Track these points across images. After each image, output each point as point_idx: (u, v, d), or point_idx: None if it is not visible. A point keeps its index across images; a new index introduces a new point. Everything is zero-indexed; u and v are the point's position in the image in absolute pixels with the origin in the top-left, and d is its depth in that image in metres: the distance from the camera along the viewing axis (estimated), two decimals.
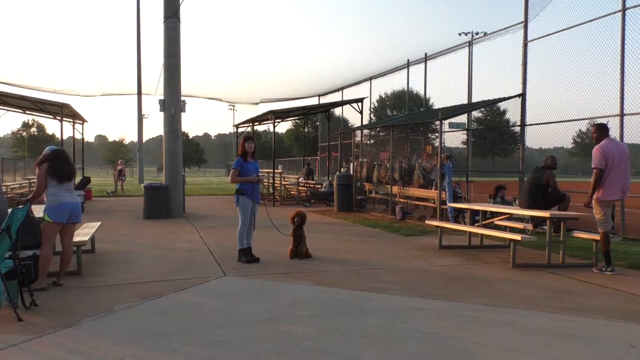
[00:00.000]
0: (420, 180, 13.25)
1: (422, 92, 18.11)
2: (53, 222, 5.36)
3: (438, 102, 22.18)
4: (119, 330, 4.01)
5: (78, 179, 13.99)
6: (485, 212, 9.29)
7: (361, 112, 19.10)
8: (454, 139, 18.56)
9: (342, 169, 16.89)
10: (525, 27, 11.80)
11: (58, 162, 5.48)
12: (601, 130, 6.50)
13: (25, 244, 5.32)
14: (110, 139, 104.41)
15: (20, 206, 4.94)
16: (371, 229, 10.80)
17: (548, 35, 11.25)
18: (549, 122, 11.08)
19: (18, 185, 19.24)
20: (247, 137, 7.19)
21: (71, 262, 5.79)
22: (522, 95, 11.70)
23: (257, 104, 30.59)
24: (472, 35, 17.72)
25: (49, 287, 5.34)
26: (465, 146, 15.61)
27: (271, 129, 19.23)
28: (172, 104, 13.06)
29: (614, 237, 7.77)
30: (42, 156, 5.54)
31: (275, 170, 18.25)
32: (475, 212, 9.06)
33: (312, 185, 18.83)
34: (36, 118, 47.80)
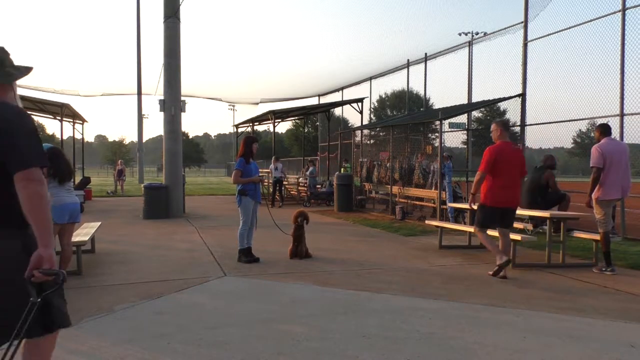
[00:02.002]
0: (421, 180, 13.24)
1: (422, 92, 18.11)
2: (54, 222, 5.36)
3: (438, 102, 22.17)
4: (119, 330, 4.01)
5: (78, 178, 13.98)
6: None
7: (361, 112, 19.10)
8: (454, 139, 18.57)
9: (341, 170, 16.89)
10: (525, 27, 11.80)
11: (57, 162, 5.47)
12: (602, 130, 6.51)
13: None
14: (110, 139, 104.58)
15: None
16: (371, 229, 10.80)
17: (548, 35, 11.25)
18: (549, 122, 11.07)
19: None
20: (253, 138, 7.19)
21: (71, 261, 5.79)
22: (522, 95, 11.70)
23: (257, 104, 30.58)
24: (472, 35, 17.69)
25: None
26: (465, 146, 15.61)
27: (271, 129, 19.25)
28: (172, 104, 13.06)
29: (614, 237, 7.77)
30: None
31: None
32: (475, 212, 9.04)
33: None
34: (36, 118, 47.69)
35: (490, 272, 5.99)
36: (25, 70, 2.36)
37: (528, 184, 7.98)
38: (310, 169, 18.12)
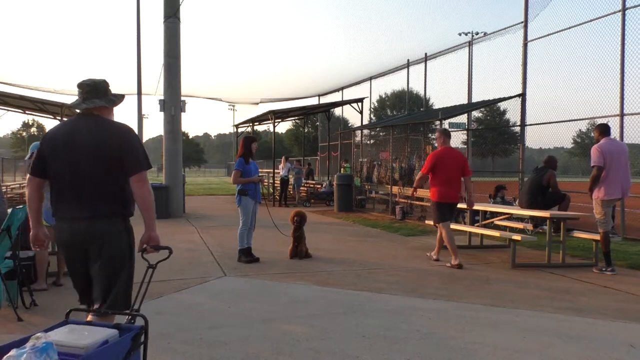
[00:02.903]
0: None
1: (422, 92, 18.12)
2: (48, 225, 5.35)
3: (438, 102, 22.23)
4: None
5: None
6: (485, 212, 9.29)
7: (361, 112, 19.10)
8: (454, 139, 18.53)
9: (341, 170, 16.89)
10: (525, 27, 11.80)
11: None
12: (601, 130, 6.50)
13: (26, 244, 5.34)
14: None
15: (20, 206, 4.94)
16: (371, 229, 10.80)
17: (548, 35, 11.26)
18: (549, 122, 11.08)
19: (18, 185, 19.25)
20: (252, 138, 7.19)
21: None
22: (522, 95, 11.70)
23: (257, 104, 30.57)
24: (472, 35, 17.72)
25: (49, 287, 5.34)
26: (465, 146, 15.61)
27: (271, 129, 19.25)
28: (172, 104, 13.06)
29: (614, 237, 7.76)
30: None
31: (275, 171, 18.25)
32: (475, 212, 9.05)
33: (312, 185, 18.83)
34: (36, 118, 47.83)
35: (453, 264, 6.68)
36: (121, 97, 3.10)
37: (528, 184, 7.96)
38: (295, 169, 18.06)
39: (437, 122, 11.72)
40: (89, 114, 2.89)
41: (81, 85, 2.94)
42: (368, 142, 18.53)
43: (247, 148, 6.98)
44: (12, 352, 1.96)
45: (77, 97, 2.95)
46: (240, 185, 6.86)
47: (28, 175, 2.95)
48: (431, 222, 9.11)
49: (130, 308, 2.84)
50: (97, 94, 2.92)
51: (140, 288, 2.76)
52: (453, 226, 8.83)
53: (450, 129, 13.57)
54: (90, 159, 2.76)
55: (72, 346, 2.09)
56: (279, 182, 17.20)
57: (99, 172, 2.77)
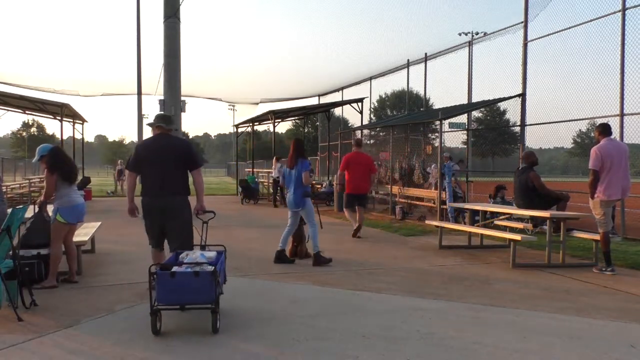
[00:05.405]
0: (421, 180, 13.25)
1: (422, 92, 18.10)
2: (65, 222, 5.39)
3: (438, 102, 22.19)
4: (119, 330, 4.01)
5: (78, 178, 13.90)
6: (485, 212, 9.29)
7: (361, 112, 19.09)
8: (454, 139, 18.58)
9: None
10: (525, 27, 11.80)
11: (65, 167, 5.43)
12: (601, 130, 6.49)
13: (40, 242, 5.48)
14: (110, 139, 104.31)
15: (20, 206, 4.95)
16: (371, 229, 10.80)
17: (548, 35, 11.25)
18: (549, 122, 11.08)
19: (18, 185, 19.23)
20: (302, 140, 7.42)
21: (76, 258, 5.85)
22: (522, 95, 11.70)
23: (257, 104, 30.52)
24: (472, 35, 17.71)
25: (60, 284, 5.40)
26: (465, 146, 15.62)
27: (271, 129, 19.26)
28: (172, 104, 13.04)
29: (614, 237, 7.75)
30: (49, 162, 5.38)
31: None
32: (475, 212, 9.06)
33: (312, 185, 18.80)
34: (36, 118, 47.75)
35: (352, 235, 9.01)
36: (173, 125, 5.25)
37: (518, 189, 7.74)
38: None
39: (437, 122, 11.71)
40: (165, 133, 4.89)
41: (163, 117, 5.04)
42: (368, 142, 18.54)
43: (303, 150, 7.05)
44: (187, 255, 4.25)
45: (154, 121, 4.94)
46: (306, 187, 6.90)
47: (127, 171, 4.99)
48: (431, 222, 9.19)
49: (192, 247, 4.75)
50: (170, 122, 5.02)
51: (202, 235, 4.71)
52: (452, 226, 8.94)
53: (450, 129, 13.64)
54: (169, 160, 4.72)
55: (207, 256, 4.24)
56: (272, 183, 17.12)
57: (173, 168, 4.72)
